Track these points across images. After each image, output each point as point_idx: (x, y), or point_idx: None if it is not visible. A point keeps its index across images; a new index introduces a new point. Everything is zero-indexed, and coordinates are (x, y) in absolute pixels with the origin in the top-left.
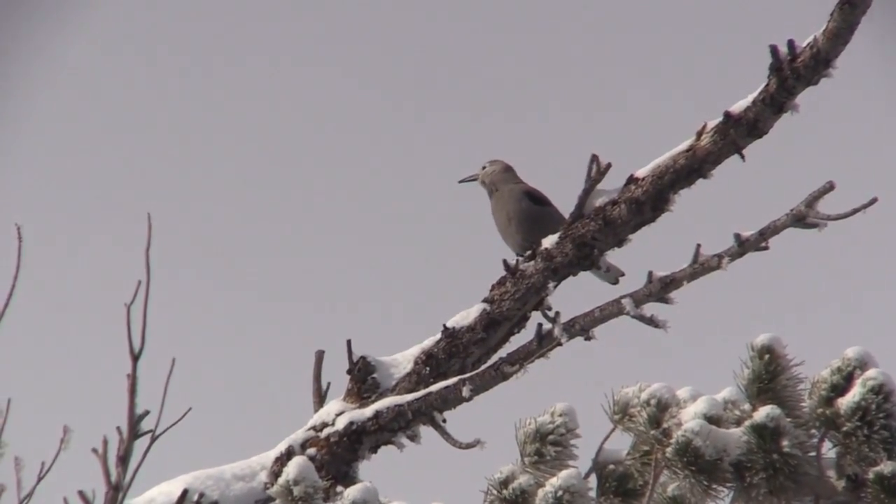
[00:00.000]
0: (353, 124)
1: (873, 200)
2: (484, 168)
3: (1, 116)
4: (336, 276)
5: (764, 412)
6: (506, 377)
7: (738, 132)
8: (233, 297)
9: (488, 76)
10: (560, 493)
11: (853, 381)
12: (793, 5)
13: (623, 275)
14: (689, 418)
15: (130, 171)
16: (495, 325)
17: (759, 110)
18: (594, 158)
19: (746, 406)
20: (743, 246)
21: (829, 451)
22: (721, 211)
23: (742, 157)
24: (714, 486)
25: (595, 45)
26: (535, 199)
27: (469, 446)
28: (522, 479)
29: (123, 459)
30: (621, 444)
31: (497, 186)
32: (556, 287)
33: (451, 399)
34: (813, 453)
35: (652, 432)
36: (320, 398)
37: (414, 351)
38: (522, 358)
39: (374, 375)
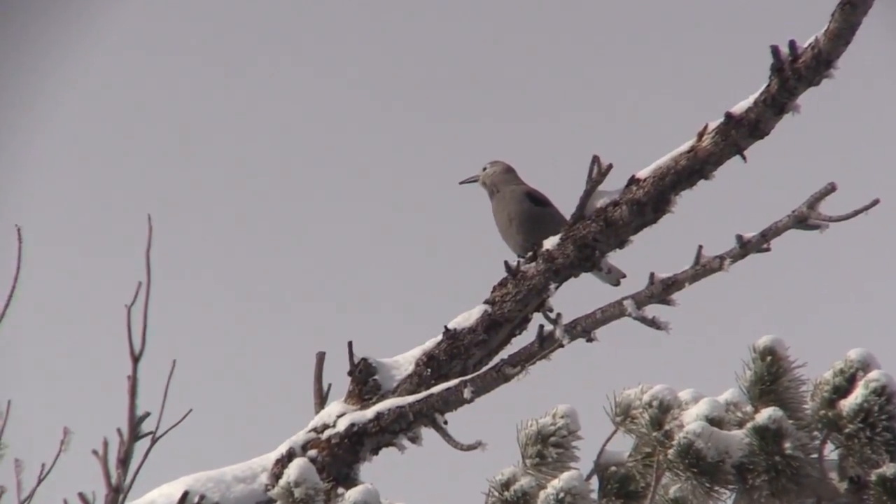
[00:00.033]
0: (355, 125)
1: (875, 202)
2: (485, 169)
3: (1, 117)
4: (337, 277)
5: (766, 414)
6: (507, 379)
7: (739, 133)
8: (233, 298)
9: (489, 77)
10: (562, 494)
11: (855, 383)
12: (794, 6)
13: (624, 276)
14: (691, 420)
15: (131, 171)
16: (497, 326)
17: (760, 111)
18: (595, 159)
19: (748, 408)
20: (745, 247)
21: (831, 453)
22: (723, 212)
23: (743, 158)
24: (716, 488)
25: (596, 46)
26: (537, 201)
27: (470, 448)
28: (524, 481)
29: (124, 461)
30: (623, 445)
31: (498, 187)
32: (557, 288)
33: (452, 401)
34: (815, 455)
35: (654, 434)
36: (321, 400)
37: (415, 352)
38: (524, 359)
39: (376, 377)
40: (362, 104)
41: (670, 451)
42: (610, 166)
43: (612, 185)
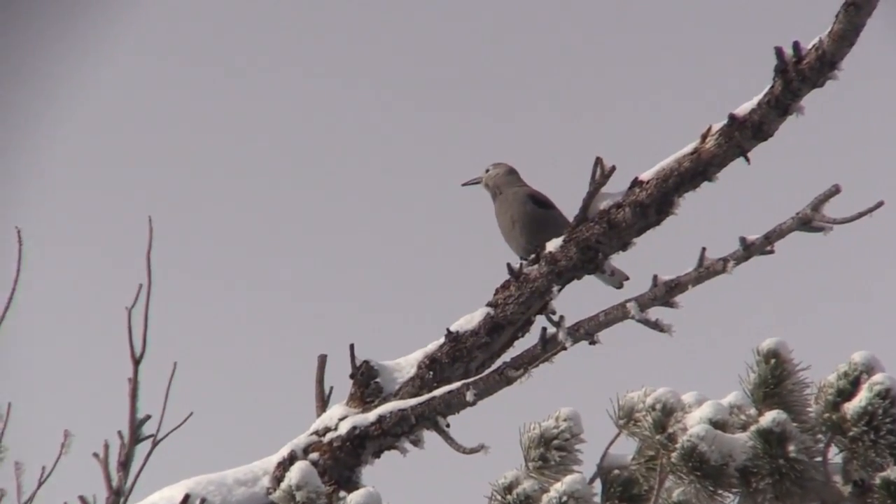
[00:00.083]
0: (357, 127)
1: (879, 204)
2: (487, 171)
3: (1, 119)
4: (339, 279)
5: (770, 417)
6: (510, 381)
7: (742, 135)
8: (235, 300)
9: (492, 78)
10: (565, 498)
11: (860, 386)
12: (798, 7)
13: (628, 278)
14: (695, 423)
15: (131, 173)
16: (499, 329)
17: (764, 113)
18: (598, 161)
19: (752, 411)
20: (748, 250)
21: (835, 456)
22: (726, 214)
23: (747, 159)
24: (719, 491)
25: (598, 48)
26: (539, 203)
27: (473, 451)
28: (527, 485)
29: (125, 464)
30: (626, 448)
31: (501, 189)
32: (560, 291)
33: (454, 404)
34: (819, 458)
35: (657, 437)
36: (323, 403)
37: (417, 355)
38: (527, 362)
39: (378, 380)
40: (365, 105)
41: (674, 455)
42: (613, 168)
43: (616, 186)
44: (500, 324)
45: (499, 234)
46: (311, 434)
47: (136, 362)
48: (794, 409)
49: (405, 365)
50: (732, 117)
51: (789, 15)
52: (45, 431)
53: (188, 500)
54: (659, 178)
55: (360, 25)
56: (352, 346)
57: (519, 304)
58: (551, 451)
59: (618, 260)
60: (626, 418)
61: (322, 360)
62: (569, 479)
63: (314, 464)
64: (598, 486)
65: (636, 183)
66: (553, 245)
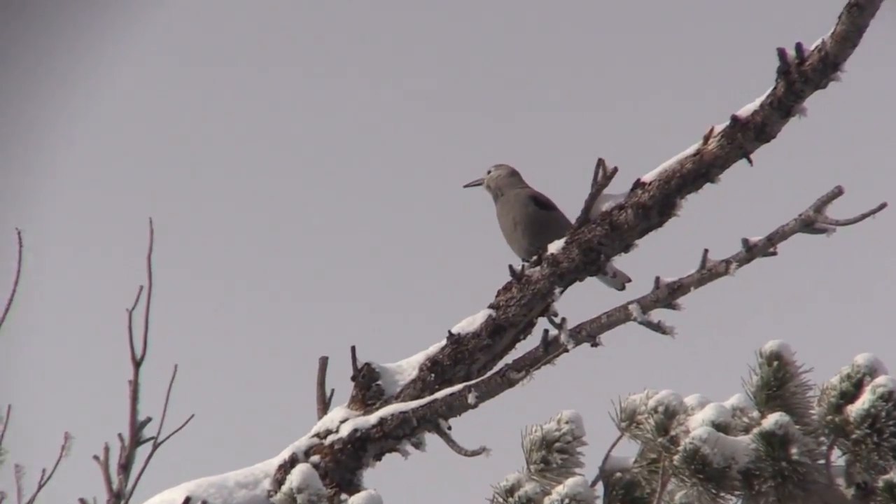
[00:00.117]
0: (359, 128)
1: (882, 205)
2: (489, 172)
3: (1, 121)
4: (340, 281)
5: (772, 419)
6: (512, 384)
7: (745, 136)
8: (236, 302)
9: (494, 80)
10: (566, 501)
11: (863, 389)
12: (801, 8)
13: (630, 280)
14: (697, 426)
15: (132, 175)
16: (501, 331)
17: (766, 114)
18: (600, 163)
19: (755, 413)
20: (751, 251)
21: (838, 458)
22: (729, 216)
23: (750, 161)
24: (722, 494)
25: (601, 49)
26: (541, 204)
27: (475, 454)
28: (528, 487)
29: (125, 467)
30: (628, 451)
31: (502, 191)
32: (562, 293)
33: (456, 406)
34: (822, 461)
35: (659, 440)
36: (324, 405)
37: (419, 357)
38: (528, 364)
39: (379, 382)
40: (366, 106)
41: (676, 457)
42: (615, 170)
43: (618, 188)
44: (502, 326)
45: (500, 236)
46: (313, 436)
47: (137, 364)
48: (796, 412)
49: (407, 367)
50: (735, 119)
51: (792, 16)
52: (46, 434)
53: (189, 503)
54: (661, 179)
55: (363, 27)
56: (353, 349)
57: (521, 305)
58: (553, 454)
59: (620, 262)
60: (629, 421)
61: (323, 362)
62: (571, 481)
63: (315, 466)
64: (600, 488)
65: (638, 184)
66: (555, 247)
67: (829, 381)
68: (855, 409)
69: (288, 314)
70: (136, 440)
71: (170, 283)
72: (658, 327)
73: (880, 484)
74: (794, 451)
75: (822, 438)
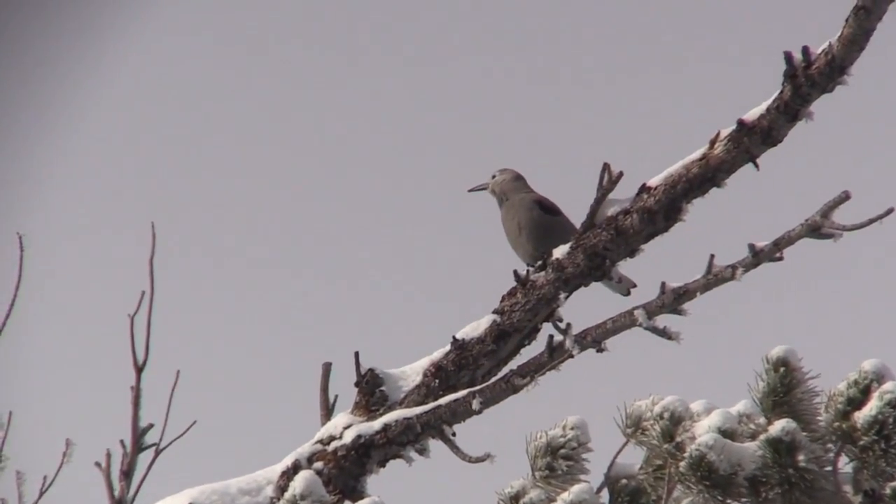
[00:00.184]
0: (363, 132)
1: (890, 210)
2: (494, 177)
3: (1, 122)
4: (344, 286)
5: (779, 426)
6: (516, 390)
7: (751, 140)
8: (238, 307)
9: (498, 84)
10: None
11: (870, 395)
12: (807, 11)
13: (635, 286)
14: (703, 432)
15: (134, 179)
16: (506, 336)
17: (773, 118)
18: (606, 167)
19: (761, 420)
20: (757, 256)
21: (845, 465)
22: (735, 221)
23: (756, 165)
24: (728, 501)
25: (606, 53)
26: (546, 209)
27: (479, 460)
28: (533, 494)
29: (127, 473)
30: (634, 458)
31: (507, 195)
32: (567, 298)
33: (460, 412)
34: (829, 468)
35: (665, 446)
36: (327, 411)
37: (423, 363)
38: (533, 370)
39: (383, 388)
40: (371, 111)
41: (682, 464)
42: (620, 174)
43: (623, 193)
44: (507, 331)
45: (505, 241)
46: (316, 443)
47: (139, 370)
48: (803, 418)
49: (410, 373)
50: (741, 123)
51: (798, 19)
52: (47, 440)
53: None
54: (667, 184)
55: (365, 29)
56: (356, 354)
57: (525, 311)
58: (558, 460)
59: (625, 267)
60: (634, 427)
61: (326, 367)
62: (576, 488)
63: (318, 473)
64: (605, 495)
65: (644, 189)
66: (560, 252)
67: (837, 387)
68: (862, 416)
69: (291, 319)
70: (138, 447)
71: (172, 288)
72: (664, 333)
73: (888, 491)
74: (800, 457)
75: (830, 445)
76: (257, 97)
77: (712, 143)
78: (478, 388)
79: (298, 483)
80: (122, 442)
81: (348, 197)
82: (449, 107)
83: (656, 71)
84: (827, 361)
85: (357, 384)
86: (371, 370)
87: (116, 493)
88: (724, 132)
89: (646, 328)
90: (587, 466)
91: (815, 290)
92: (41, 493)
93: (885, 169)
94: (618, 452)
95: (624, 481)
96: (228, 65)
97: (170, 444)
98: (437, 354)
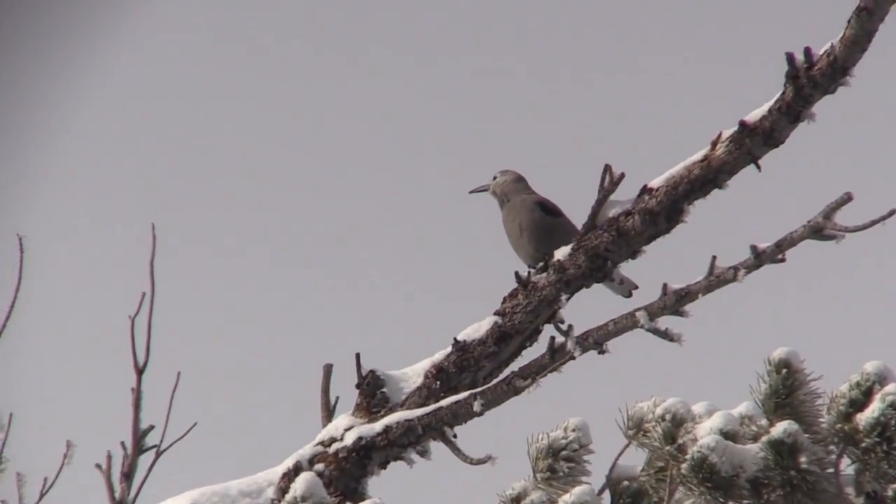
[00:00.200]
0: (364, 133)
1: (892, 212)
2: (495, 178)
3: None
4: (345, 288)
5: (781, 428)
6: (518, 391)
7: (753, 142)
8: (239, 308)
9: (499, 84)
10: None
11: (872, 397)
12: (809, 12)
13: (637, 287)
14: (705, 434)
15: (134, 180)
16: (507, 338)
17: (775, 119)
18: (607, 168)
19: (763, 421)
20: (759, 258)
21: (847, 467)
22: (737, 222)
23: (758, 167)
24: (730, 503)
25: (608, 54)
26: (548, 210)
27: (480, 462)
28: (535, 496)
29: (127, 475)
30: (635, 459)
31: (509, 197)
32: (568, 299)
33: (461, 414)
34: (831, 470)
35: (667, 448)
36: (328, 413)
37: (424, 364)
38: (535, 372)
39: (384, 390)
40: (372, 111)
41: (684, 466)
42: (622, 175)
43: (625, 194)
44: (508, 333)
45: (506, 242)
46: (317, 444)
47: (140, 372)
48: (805, 420)
49: (412, 374)
50: (743, 124)
51: (800, 20)
52: (48, 442)
53: None
54: (668, 185)
55: (366, 29)
56: (358, 356)
57: (527, 312)
58: (560, 462)
59: (627, 268)
60: (636, 429)
61: (327, 369)
62: (577, 490)
63: (319, 475)
64: (607, 497)
65: (645, 190)
66: (561, 253)
67: (839, 389)
68: (864, 418)
69: (292, 321)
70: (139, 448)
71: (172, 289)
72: (665, 334)
73: (890, 493)
74: (802, 459)
75: (832, 447)
76: (257, 96)
77: (714, 144)
78: (479, 389)
79: (299, 485)
80: (122, 444)
81: (349, 197)
82: (450, 107)
83: (658, 72)
84: (829, 363)
85: (358, 386)
86: (372, 372)
87: (117, 495)
88: (726, 133)
89: (647, 330)
90: (589, 468)
91: (817, 291)
92: (42, 495)
93: (888, 170)
94: (619, 454)
95: (625, 483)
96: (228, 64)
97: (170, 445)
98: (439, 356)
